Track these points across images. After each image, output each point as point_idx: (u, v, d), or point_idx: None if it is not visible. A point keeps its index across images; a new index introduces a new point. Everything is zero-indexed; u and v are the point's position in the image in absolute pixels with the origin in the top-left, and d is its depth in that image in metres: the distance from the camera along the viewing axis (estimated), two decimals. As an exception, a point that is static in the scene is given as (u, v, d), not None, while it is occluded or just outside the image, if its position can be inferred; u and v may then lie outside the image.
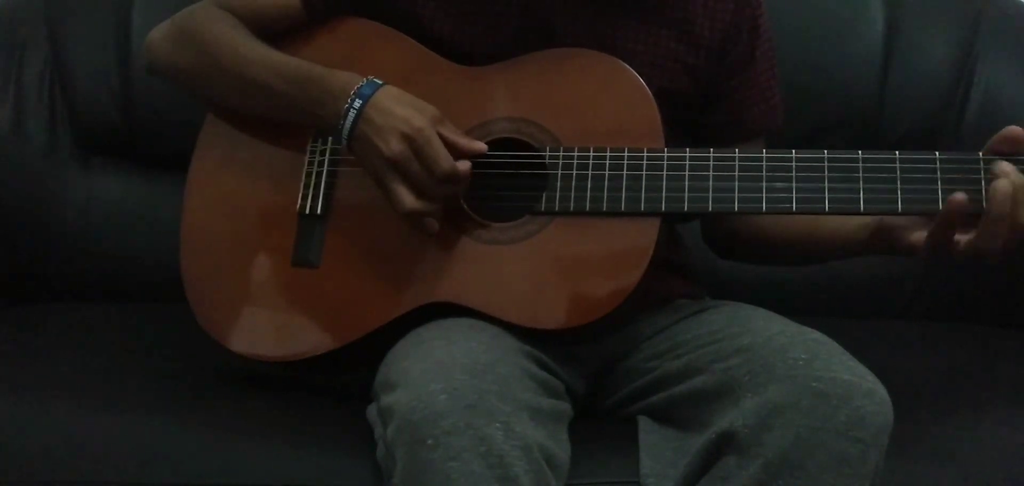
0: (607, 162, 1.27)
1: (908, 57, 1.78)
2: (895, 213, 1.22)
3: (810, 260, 1.46)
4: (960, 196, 1.16)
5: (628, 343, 1.34)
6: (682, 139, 1.32)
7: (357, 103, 1.27)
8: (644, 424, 1.26)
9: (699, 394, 1.21)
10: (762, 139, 1.45)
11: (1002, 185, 1.15)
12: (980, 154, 1.20)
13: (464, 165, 1.26)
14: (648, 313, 1.35)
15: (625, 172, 1.26)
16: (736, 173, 1.24)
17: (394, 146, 1.25)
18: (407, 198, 1.26)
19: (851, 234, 1.30)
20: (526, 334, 1.25)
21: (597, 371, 1.35)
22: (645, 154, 1.26)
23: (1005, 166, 1.16)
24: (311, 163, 1.38)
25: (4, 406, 1.33)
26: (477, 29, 1.36)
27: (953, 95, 1.78)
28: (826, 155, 1.23)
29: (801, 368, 1.14)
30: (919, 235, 1.22)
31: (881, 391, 1.14)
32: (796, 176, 1.23)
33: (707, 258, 1.54)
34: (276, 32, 1.40)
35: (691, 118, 1.41)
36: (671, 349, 1.29)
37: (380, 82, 1.28)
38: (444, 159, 1.25)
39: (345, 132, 1.28)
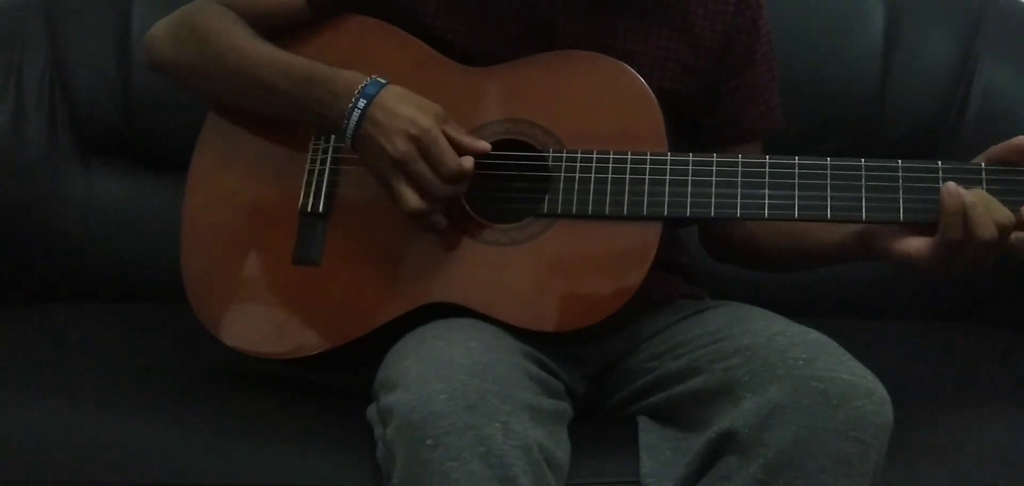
0: (610, 165, 1.27)
1: (908, 57, 1.78)
2: (896, 222, 1.22)
3: (798, 267, 1.47)
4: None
5: (628, 343, 1.34)
6: (680, 140, 1.32)
7: (361, 103, 1.27)
8: (644, 424, 1.26)
9: (699, 394, 1.21)
10: (760, 141, 1.44)
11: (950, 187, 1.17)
12: (982, 163, 1.20)
13: (468, 162, 1.26)
14: (648, 313, 1.35)
15: (628, 176, 1.26)
16: (739, 179, 1.24)
17: (400, 146, 1.24)
18: (412, 198, 1.25)
19: (839, 241, 1.30)
20: (526, 334, 1.25)
21: (597, 371, 1.35)
22: (648, 158, 1.26)
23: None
24: (313, 161, 1.38)
25: (4, 406, 1.33)
26: (478, 28, 1.36)
27: (953, 95, 1.78)
28: (829, 163, 1.23)
29: (801, 368, 1.14)
30: (911, 243, 1.22)
31: (881, 391, 1.14)
32: (798, 183, 1.23)
33: (707, 258, 1.53)
34: (278, 29, 1.40)
35: (689, 119, 1.41)
36: (671, 349, 1.29)
37: (384, 81, 1.28)
38: (451, 159, 1.24)
39: (349, 132, 1.28)
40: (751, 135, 1.44)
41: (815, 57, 1.77)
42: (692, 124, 1.41)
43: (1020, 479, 1.30)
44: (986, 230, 1.16)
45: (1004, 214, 1.16)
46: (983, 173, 1.20)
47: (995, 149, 1.21)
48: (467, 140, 1.27)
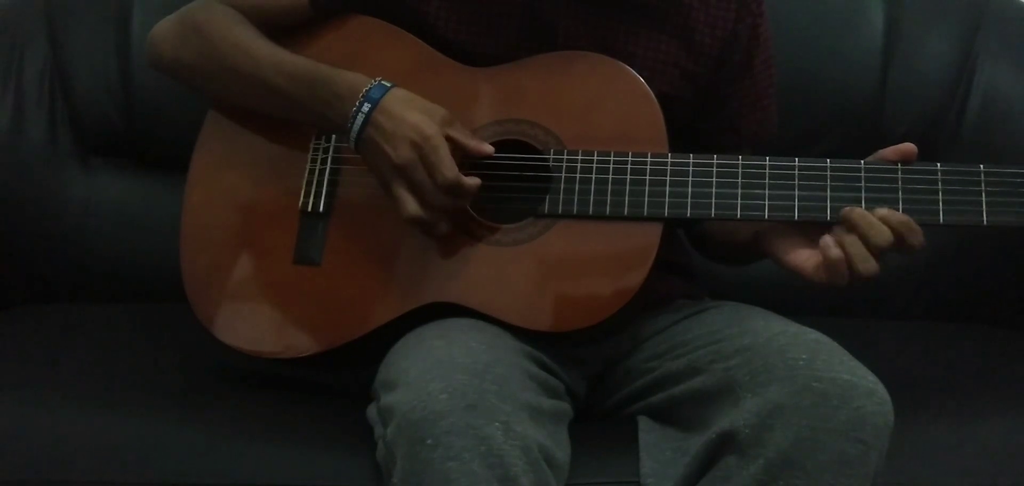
0: (611, 166, 1.27)
1: (908, 57, 1.78)
2: None
3: (734, 262, 1.48)
4: None
5: (628, 343, 1.34)
6: (676, 143, 1.32)
7: (366, 107, 1.26)
8: (644, 424, 1.26)
9: (699, 394, 1.21)
10: (750, 146, 1.44)
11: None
12: (981, 167, 1.20)
13: (472, 180, 1.25)
14: (648, 313, 1.35)
15: (628, 176, 1.26)
16: (739, 179, 1.24)
17: (403, 153, 1.24)
18: (412, 204, 1.25)
19: (747, 240, 1.31)
20: (526, 334, 1.25)
21: (598, 372, 1.35)
22: (648, 159, 1.26)
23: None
24: (314, 161, 1.38)
25: (4, 406, 1.33)
26: (480, 30, 1.36)
27: (953, 95, 1.78)
28: (829, 164, 1.23)
29: (801, 368, 1.14)
30: (798, 256, 1.23)
31: (881, 391, 1.14)
32: (798, 183, 1.23)
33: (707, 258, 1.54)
34: (281, 28, 1.40)
35: (686, 122, 1.40)
36: (671, 349, 1.29)
37: (389, 84, 1.28)
38: (448, 168, 1.24)
39: (353, 135, 1.27)
40: (746, 141, 1.44)
41: (815, 57, 1.77)
42: (688, 128, 1.41)
43: (1020, 479, 1.31)
44: (867, 265, 1.18)
45: (884, 237, 1.17)
46: (982, 176, 1.19)
47: (878, 153, 1.23)
48: (472, 143, 1.27)
